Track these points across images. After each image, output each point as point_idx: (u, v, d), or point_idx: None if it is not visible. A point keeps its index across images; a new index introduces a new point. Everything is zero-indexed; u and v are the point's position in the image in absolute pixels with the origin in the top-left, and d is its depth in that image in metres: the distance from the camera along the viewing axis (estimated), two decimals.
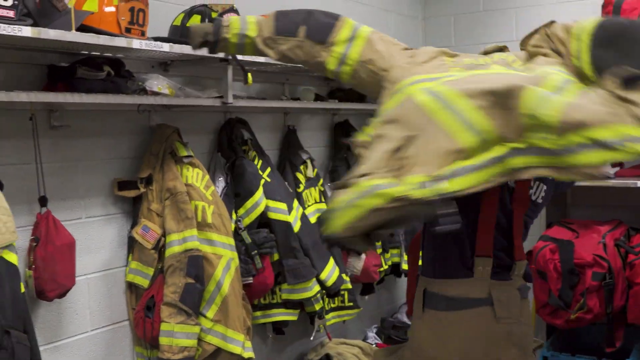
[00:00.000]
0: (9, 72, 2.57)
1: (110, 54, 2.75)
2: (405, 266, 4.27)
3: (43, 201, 2.59)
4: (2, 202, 2.31)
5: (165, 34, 3.01)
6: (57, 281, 2.49)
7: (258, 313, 3.48)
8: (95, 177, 2.89)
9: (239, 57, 2.89)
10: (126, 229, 3.02)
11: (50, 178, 2.69)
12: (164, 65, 3.12)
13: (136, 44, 2.48)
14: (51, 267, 2.47)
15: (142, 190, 2.95)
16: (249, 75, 2.88)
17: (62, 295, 2.57)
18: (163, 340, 2.83)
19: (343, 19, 2.27)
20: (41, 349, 2.63)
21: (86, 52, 2.70)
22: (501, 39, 5.00)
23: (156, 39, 2.75)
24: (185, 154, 3.02)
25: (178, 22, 2.97)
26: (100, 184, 2.91)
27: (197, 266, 2.91)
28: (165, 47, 2.61)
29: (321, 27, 2.26)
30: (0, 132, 2.54)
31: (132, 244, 2.98)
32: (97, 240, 2.91)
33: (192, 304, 2.88)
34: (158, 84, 2.80)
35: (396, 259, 4.31)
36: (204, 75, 3.29)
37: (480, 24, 5.10)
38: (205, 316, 2.96)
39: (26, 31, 2.13)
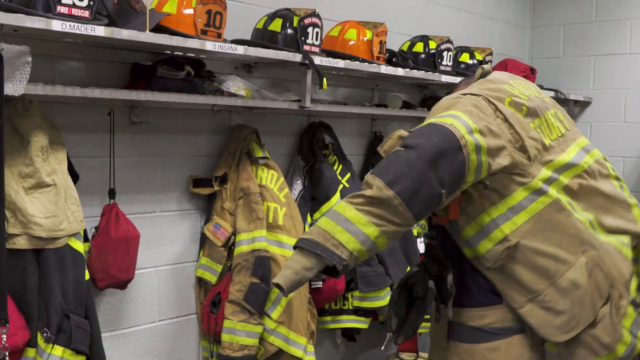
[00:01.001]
0: (95, 69, 2.70)
1: (194, 55, 2.83)
2: None
3: (112, 194, 2.69)
4: (73, 193, 2.42)
5: (249, 36, 3.06)
6: (108, 272, 2.56)
7: (328, 318, 3.48)
8: (172, 173, 2.98)
9: (316, 62, 2.92)
10: (199, 225, 3.09)
11: (127, 172, 2.81)
12: (248, 67, 3.18)
13: (209, 45, 2.54)
14: (103, 257, 2.55)
15: (217, 188, 3.02)
16: (324, 80, 2.89)
17: (116, 286, 2.65)
18: (224, 337, 2.89)
19: (463, 142, 1.89)
20: (107, 335, 2.76)
21: (169, 52, 2.79)
22: (613, 52, 4.77)
23: (234, 41, 2.80)
24: (261, 155, 3.06)
25: (260, 25, 3.01)
26: (177, 180, 3.00)
27: (263, 266, 2.93)
28: (240, 49, 2.65)
29: (454, 173, 1.89)
30: (82, 126, 2.67)
31: (203, 240, 3.05)
32: (169, 234, 3.00)
33: (256, 303, 2.91)
34: (234, 85, 2.85)
35: None
36: (288, 78, 3.32)
37: (592, 35, 4.86)
38: (270, 317, 2.98)
39: (99, 31, 2.22)
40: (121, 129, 2.77)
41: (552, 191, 2.05)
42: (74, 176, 2.51)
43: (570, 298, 2.03)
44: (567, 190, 2.09)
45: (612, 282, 2.08)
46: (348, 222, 1.82)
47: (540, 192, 2.04)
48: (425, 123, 2.00)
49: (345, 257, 1.81)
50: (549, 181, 2.06)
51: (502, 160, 1.97)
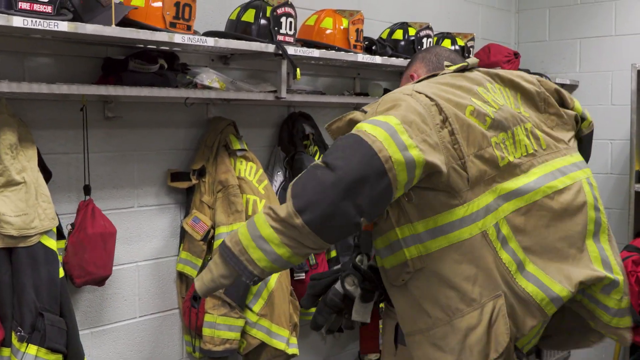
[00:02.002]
0: (66, 64, 2.67)
1: (167, 48, 2.81)
2: None
3: (87, 190, 2.67)
4: (44, 190, 2.40)
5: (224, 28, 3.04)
6: (85, 268, 2.55)
7: (313, 310, 3.45)
8: (149, 167, 2.96)
9: (290, 52, 2.89)
10: (179, 219, 3.08)
11: (103, 167, 2.79)
12: (224, 59, 3.15)
13: (178, 38, 2.51)
14: (79, 254, 2.53)
15: (194, 182, 3.00)
16: (298, 70, 2.87)
17: (93, 283, 2.63)
18: (206, 331, 2.88)
19: (389, 166, 1.70)
20: (87, 332, 2.75)
21: (142, 46, 2.76)
22: (598, 34, 4.74)
23: (205, 33, 2.78)
24: (239, 147, 3.04)
25: (234, 17, 2.98)
26: (154, 174, 2.98)
27: None
28: (210, 41, 2.63)
29: (376, 200, 1.72)
30: (54, 122, 2.65)
31: (183, 234, 3.03)
32: (148, 229, 2.98)
33: (236, 296, 2.89)
34: (208, 77, 2.82)
35: None
36: (265, 69, 3.29)
37: (577, 18, 4.83)
38: (251, 310, 2.97)
39: (63, 26, 2.19)
40: (95, 124, 2.75)
41: (486, 221, 1.86)
42: (47, 173, 2.50)
43: (462, 342, 1.85)
44: (510, 221, 1.91)
45: (512, 337, 1.89)
46: (262, 240, 1.75)
47: (469, 220, 1.84)
48: (358, 128, 1.77)
49: (256, 273, 1.79)
50: (486, 209, 1.87)
51: (437, 176, 1.80)
